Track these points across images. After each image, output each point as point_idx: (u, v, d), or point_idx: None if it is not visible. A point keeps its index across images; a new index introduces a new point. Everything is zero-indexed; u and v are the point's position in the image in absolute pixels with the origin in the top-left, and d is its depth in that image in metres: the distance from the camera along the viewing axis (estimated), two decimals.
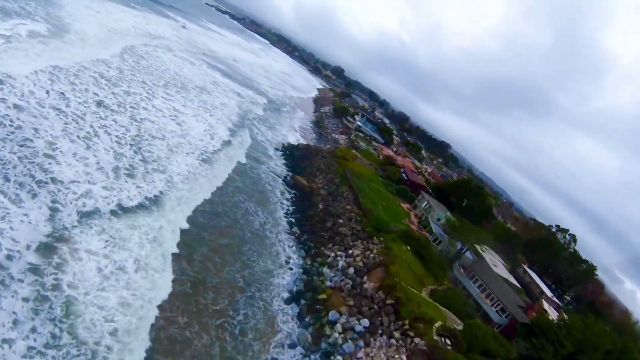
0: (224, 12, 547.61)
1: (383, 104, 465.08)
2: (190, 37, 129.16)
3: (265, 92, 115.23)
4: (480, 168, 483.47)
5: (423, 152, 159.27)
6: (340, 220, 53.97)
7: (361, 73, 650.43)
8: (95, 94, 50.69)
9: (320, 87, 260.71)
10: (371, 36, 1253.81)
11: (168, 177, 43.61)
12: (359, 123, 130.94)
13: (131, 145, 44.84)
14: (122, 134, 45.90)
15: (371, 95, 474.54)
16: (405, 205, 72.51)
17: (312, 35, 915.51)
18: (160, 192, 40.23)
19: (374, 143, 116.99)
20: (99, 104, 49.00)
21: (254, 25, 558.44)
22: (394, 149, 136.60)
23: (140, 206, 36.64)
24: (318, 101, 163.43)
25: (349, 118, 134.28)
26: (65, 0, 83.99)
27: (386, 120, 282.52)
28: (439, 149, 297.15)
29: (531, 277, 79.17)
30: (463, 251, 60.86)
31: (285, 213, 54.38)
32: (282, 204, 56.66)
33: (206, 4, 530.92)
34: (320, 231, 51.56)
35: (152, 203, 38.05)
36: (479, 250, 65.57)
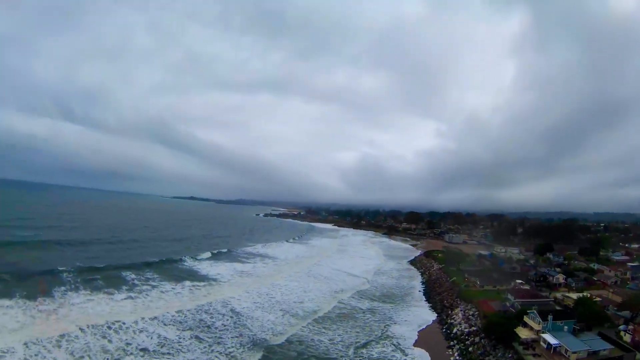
0: (279, 216, 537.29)
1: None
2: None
3: None
4: None
5: None
6: None
7: (431, 201, 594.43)
8: None
9: (413, 254, 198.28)
10: (419, 162, 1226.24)
11: None
12: (550, 340, 62.81)
13: None
14: None
15: (457, 219, 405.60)
16: None
17: (368, 192, 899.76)
18: None
19: None
20: None
21: (310, 216, 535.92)
22: None
23: None
24: (437, 305, 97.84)
25: (525, 340, 66.96)
26: None
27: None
28: None
29: None
30: None
31: None
32: None
33: (257, 215, 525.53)
34: None
35: None
36: None
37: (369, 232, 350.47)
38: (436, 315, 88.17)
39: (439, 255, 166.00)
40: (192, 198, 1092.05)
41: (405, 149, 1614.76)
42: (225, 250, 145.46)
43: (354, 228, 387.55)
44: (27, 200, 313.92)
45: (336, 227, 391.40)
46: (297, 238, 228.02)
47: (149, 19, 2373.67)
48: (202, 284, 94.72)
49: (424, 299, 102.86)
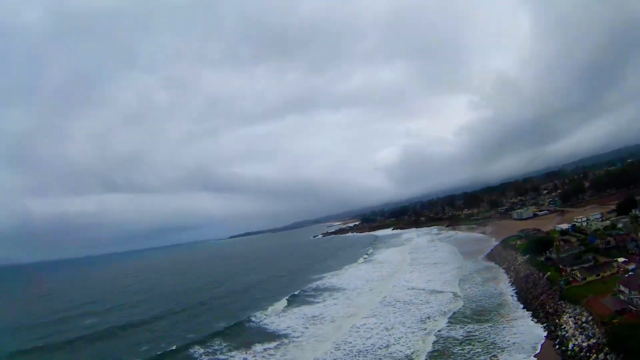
0: (337, 232, 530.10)
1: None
2: None
3: None
4: None
5: None
6: None
7: (483, 176, 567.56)
8: None
9: (487, 245, 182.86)
10: (460, 140, 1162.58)
11: None
12: None
13: None
14: None
15: (516, 190, 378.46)
16: None
17: (417, 183, 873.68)
18: None
19: None
20: None
21: (367, 224, 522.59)
22: None
23: None
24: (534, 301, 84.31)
25: None
26: None
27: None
28: None
29: None
30: None
31: None
32: None
33: (314, 236, 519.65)
34: None
35: None
36: None
37: (432, 228, 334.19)
38: (542, 327, 75.54)
39: (518, 242, 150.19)
40: (247, 234, 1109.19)
41: (443, 131, 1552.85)
42: (294, 292, 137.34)
43: (415, 227, 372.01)
44: (88, 278, 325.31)
45: (397, 231, 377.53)
46: (361, 257, 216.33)
47: (162, 76, 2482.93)
48: (273, 344, 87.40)
49: (522, 306, 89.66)
